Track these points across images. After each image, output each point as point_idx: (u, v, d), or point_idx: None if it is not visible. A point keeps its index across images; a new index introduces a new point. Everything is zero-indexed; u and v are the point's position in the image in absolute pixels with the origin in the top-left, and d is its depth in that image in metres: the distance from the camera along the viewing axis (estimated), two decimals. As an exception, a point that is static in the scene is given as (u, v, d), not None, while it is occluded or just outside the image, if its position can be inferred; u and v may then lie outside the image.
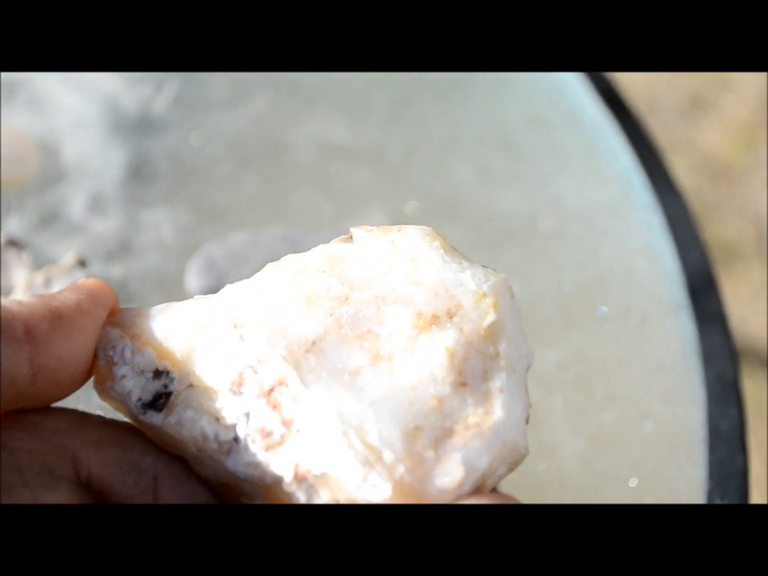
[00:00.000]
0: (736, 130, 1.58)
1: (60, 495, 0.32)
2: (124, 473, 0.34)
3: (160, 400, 0.34)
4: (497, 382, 0.34)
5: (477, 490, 0.32)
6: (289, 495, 0.33)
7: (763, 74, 1.57)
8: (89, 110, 0.72)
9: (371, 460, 0.32)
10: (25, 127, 0.70)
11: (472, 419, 0.33)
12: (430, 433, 0.32)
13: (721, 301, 0.67)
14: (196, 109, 0.74)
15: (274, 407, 0.33)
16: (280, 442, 0.33)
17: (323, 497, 0.32)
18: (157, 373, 0.35)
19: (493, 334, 0.34)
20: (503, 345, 0.34)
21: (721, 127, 1.59)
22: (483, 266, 0.36)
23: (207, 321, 0.35)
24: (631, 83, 1.46)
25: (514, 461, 0.34)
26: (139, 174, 0.70)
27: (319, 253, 0.36)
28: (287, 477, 0.33)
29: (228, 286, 0.36)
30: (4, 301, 0.33)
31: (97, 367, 0.35)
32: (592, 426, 0.63)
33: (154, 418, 0.34)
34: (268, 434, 0.33)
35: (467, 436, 0.32)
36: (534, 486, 0.61)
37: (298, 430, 0.33)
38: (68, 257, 0.60)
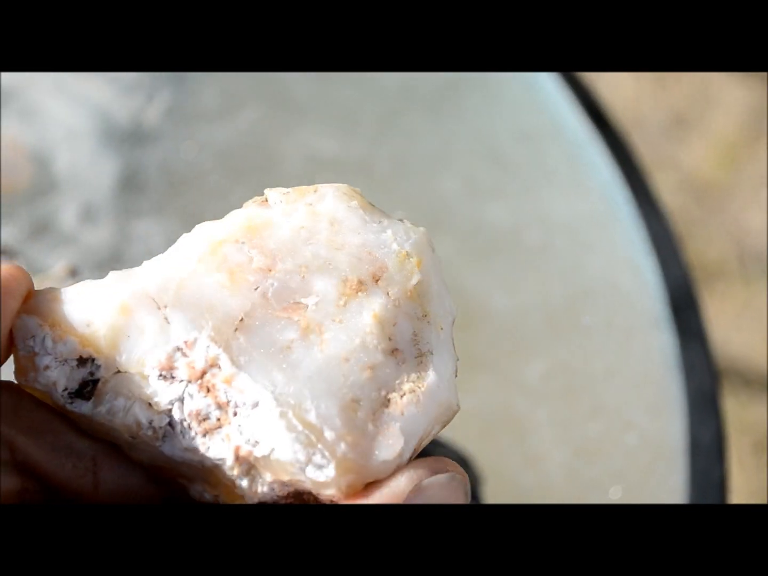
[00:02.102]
0: (721, 149, 1.59)
1: (2, 479, 0.32)
2: (61, 457, 0.33)
3: (86, 388, 0.33)
4: (427, 344, 0.33)
5: (414, 457, 0.32)
6: (231, 478, 0.32)
7: (748, 93, 1.59)
8: (81, 121, 0.73)
9: (313, 440, 0.31)
10: (17, 137, 0.71)
11: (407, 385, 0.32)
12: (367, 404, 0.32)
13: (701, 317, 0.68)
14: (188, 120, 0.75)
15: (208, 390, 0.32)
16: (218, 426, 0.32)
17: (266, 478, 0.32)
18: (81, 361, 0.33)
19: (419, 294, 0.34)
20: (430, 304, 0.34)
21: (705, 146, 1.60)
22: (401, 221, 0.35)
23: (129, 303, 0.33)
24: (616, 100, 1.47)
25: (447, 419, 0.33)
26: (130, 185, 0.71)
27: (237, 221, 0.35)
28: (228, 461, 0.32)
29: (145, 263, 0.35)
30: None
31: (18, 357, 0.34)
32: (577, 437, 0.64)
33: (83, 407, 0.33)
34: (204, 418, 0.32)
35: (403, 404, 0.32)
36: (519, 496, 0.62)
37: (235, 413, 0.32)
38: (59, 267, 0.60)
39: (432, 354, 0.33)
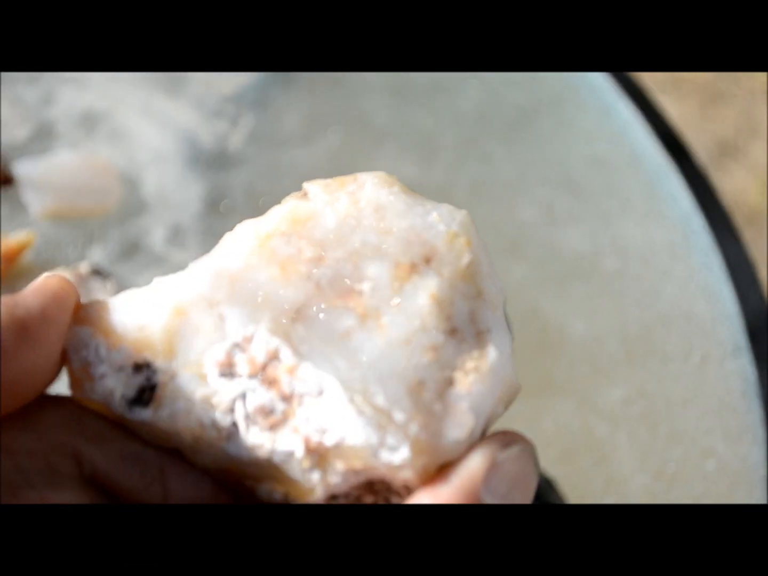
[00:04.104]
0: (765, 177, 1.59)
1: (66, 493, 0.31)
2: (128, 466, 0.33)
3: (144, 394, 0.33)
4: (484, 323, 0.33)
5: (483, 435, 0.32)
6: (302, 471, 0.32)
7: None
8: (168, 144, 0.74)
9: (383, 423, 0.30)
10: (107, 160, 0.72)
11: (470, 364, 0.32)
12: (433, 385, 0.31)
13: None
14: (271, 145, 0.76)
15: (270, 383, 0.32)
16: (284, 418, 0.32)
17: (337, 468, 0.31)
18: (137, 367, 0.33)
19: (471, 273, 0.33)
20: (483, 283, 0.33)
21: (749, 174, 1.60)
22: (444, 204, 0.35)
23: (181, 305, 0.33)
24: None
25: (510, 399, 0.33)
26: (216, 207, 0.72)
27: (280, 215, 0.34)
28: (298, 453, 0.31)
29: (191, 265, 0.34)
30: None
31: (72, 370, 0.33)
32: (656, 462, 0.64)
33: (142, 413, 0.33)
34: (269, 412, 0.32)
35: (469, 382, 0.32)
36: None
37: (300, 404, 0.32)
38: (149, 286, 0.61)
39: (490, 332, 0.33)
